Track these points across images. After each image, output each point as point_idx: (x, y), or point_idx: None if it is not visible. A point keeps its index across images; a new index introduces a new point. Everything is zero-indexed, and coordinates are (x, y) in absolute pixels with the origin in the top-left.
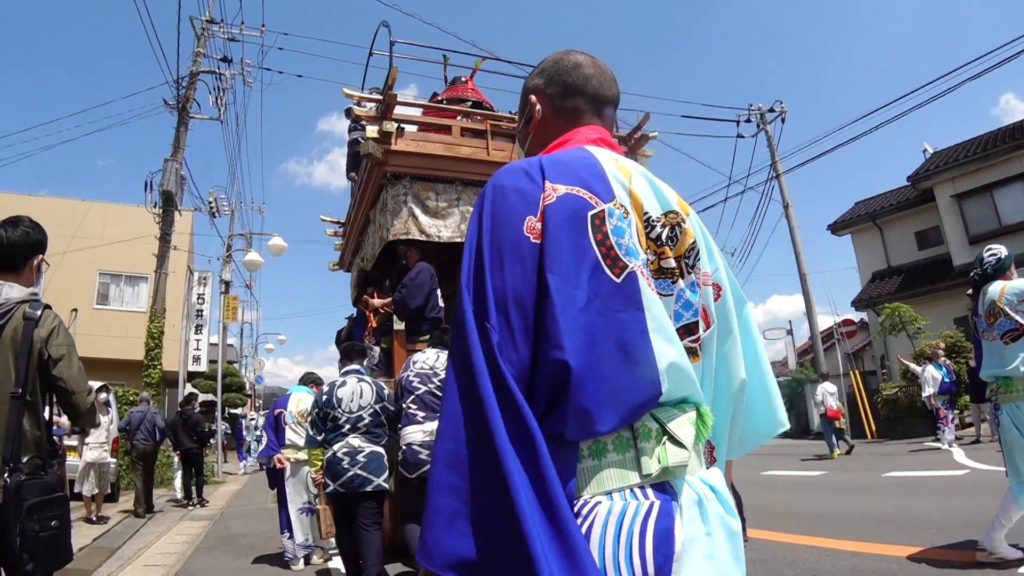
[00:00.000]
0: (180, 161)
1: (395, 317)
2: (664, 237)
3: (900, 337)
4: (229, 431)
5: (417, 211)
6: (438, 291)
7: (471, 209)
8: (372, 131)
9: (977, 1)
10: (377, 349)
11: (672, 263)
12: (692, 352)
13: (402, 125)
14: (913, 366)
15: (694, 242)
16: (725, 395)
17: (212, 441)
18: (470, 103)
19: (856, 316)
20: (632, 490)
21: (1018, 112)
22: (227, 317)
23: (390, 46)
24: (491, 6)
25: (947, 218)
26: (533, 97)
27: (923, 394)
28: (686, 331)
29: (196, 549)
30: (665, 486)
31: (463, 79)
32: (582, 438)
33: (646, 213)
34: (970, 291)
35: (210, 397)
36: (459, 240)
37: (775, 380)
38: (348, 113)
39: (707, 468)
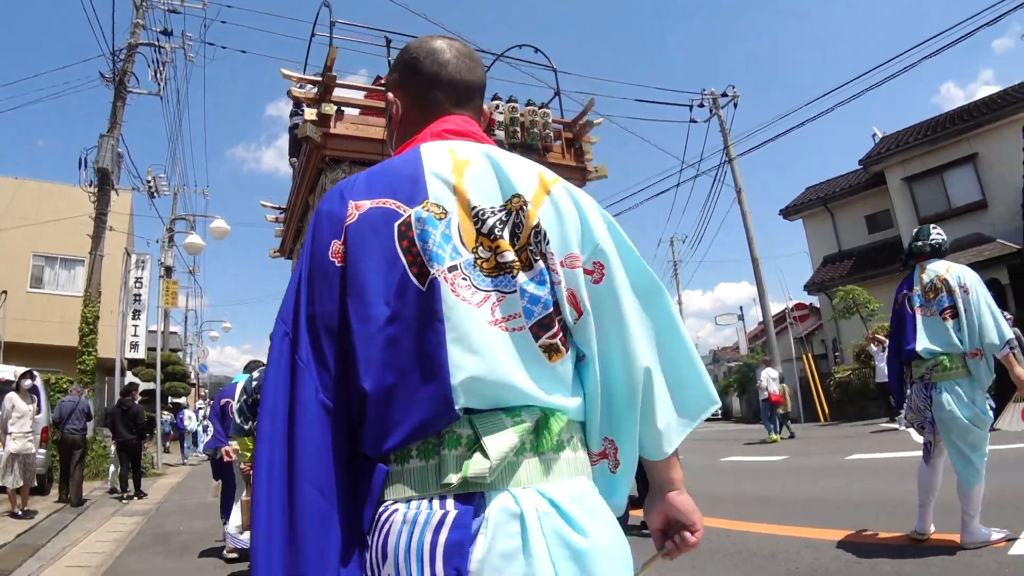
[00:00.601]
0: (117, 137)
1: None
2: (498, 229)
3: (853, 320)
4: (172, 421)
5: None
6: None
7: None
8: (310, 113)
9: None
10: None
11: (510, 256)
12: (553, 349)
13: (342, 108)
14: (873, 347)
15: (537, 225)
16: (622, 388)
17: (152, 432)
18: None
19: (808, 300)
20: (431, 499)
21: (957, 99)
22: (167, 302)
23: (330, 26)
24: None
25: (898, 201)
26: (391, 95)
27: (878, 377)
28: (540, 327)
29: (126, 548)
30: (473, 497)
31: None
32: (379, 454)
33: (475, 207)
34: (902, 266)
35: (151, 386)
36: None
37: (699, 360)
38: (289, 95)
39: (571, 477)
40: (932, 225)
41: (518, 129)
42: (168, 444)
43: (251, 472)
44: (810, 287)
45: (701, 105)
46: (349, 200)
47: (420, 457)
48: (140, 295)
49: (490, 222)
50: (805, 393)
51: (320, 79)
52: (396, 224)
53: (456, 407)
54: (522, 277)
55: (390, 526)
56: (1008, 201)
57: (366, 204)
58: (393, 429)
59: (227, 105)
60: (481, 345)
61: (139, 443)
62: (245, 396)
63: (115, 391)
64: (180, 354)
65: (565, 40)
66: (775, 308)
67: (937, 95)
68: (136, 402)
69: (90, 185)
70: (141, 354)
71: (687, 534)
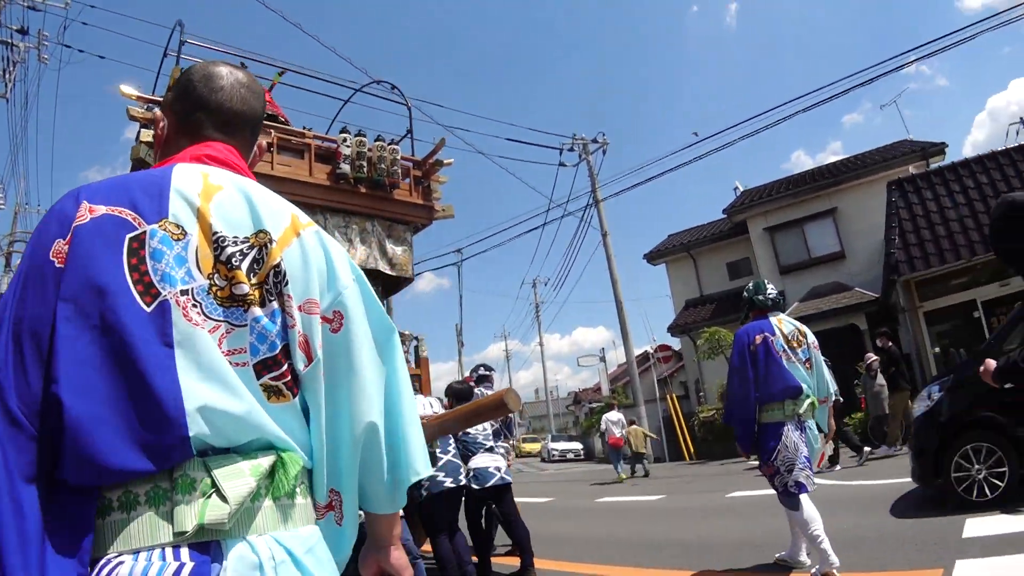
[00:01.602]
0: None
1: None
2: (237, 259)
3: (717, 361)
4: None
5: None
6: None
7: None
8: (147, 135)
9: (790, 51)
10: None
11: (245, 288)
12: (275, 391)
13: None
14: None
15: (278, 264)
16: (348, 440)
17: None
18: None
19: (669, 343)
20: (164, 549)
21: (807, 166)
22: None
23: (179, 45)
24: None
25: (759, 249)
26: (159, 112)
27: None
28: (264, 366)
29: None
30: (209, 546)
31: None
32: (84, 483)
33: (216, 233)
34: (743, 317)
35: None
36: None
37: (417, 424)
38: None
39: (303, 525)
40: (766, 280)
41: (364, 164)
42: None
43: None
44: (673, 329)
45: (571, 149)
46: (84, 201)
47: (149, 503)
48: None
49: (229, 250)
50: (670, 433)
51: (160, 99)
52: (128, 237)
53: (190, 435)
54: (254, 312)
55: None
56: (866, 252)
57: (101, 209)
58: (109, 456)
59: (83, 123)
60: (214, 373)
61: None
62: None
63: None
64: None
65: (439, 74)
66: (636, 351)
67: (788, 161)
68: None
69: None
70: None
71: None
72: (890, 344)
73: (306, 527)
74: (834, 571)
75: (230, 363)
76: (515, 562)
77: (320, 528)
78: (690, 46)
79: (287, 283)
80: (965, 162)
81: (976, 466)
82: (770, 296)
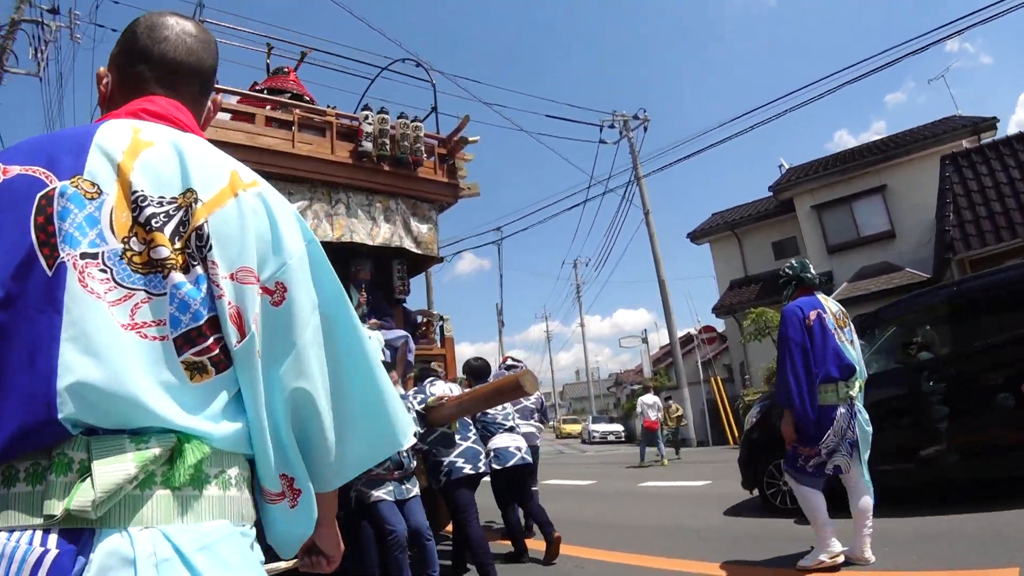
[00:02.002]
0: None
1: None
2: (158, 221)
3: (763, 343)
4: None
5: None
6: None
7: None
8: None
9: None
10: None
11: (165, 252)
12: (198, 368)
13: None
14: None
15: (201, 226)
16: (296, 418)
17: None
18: (289, 95)
19: (713, 324)
20: (35, 532)
21: (850, 146)
22: None
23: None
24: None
25: (806, 228)
26: (102, 69)
27: None
28: (186, 340)
29: None
30: (81, 535)
31: (286, 69)
32: None
33: (137, 192)
34: (789, 295)
35: None
36: None
37: (393, 394)
38: None
39: (211, 519)
40: (806, 260)
41: (387, 141)
42: None
43: None
44: (718, 310)
45: (612, 126)
46: (0, 163)
47: (27, 481)
48: None
49: (149, 211)
50: (713, 416)
51: None
52: (38, 195)
53: (60, 416)
54: (175, 278)
55: None
56: (916, 232)
57: (15, 169)
58: None
59: None
60: (103, 348)
61: None
62: None
63: None
64: None
65: (477, 52)
66: (679, 332)
67: (831, 141)
68: None
69: None
70: None
71: (323, 560)
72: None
73: (212, 522)
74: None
75: (145, 336)
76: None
77: (271, 513)
78: (729, 22)
79: (211, 248)
80: (1022, 136)
81: (781, 479)
82: (816, 275)
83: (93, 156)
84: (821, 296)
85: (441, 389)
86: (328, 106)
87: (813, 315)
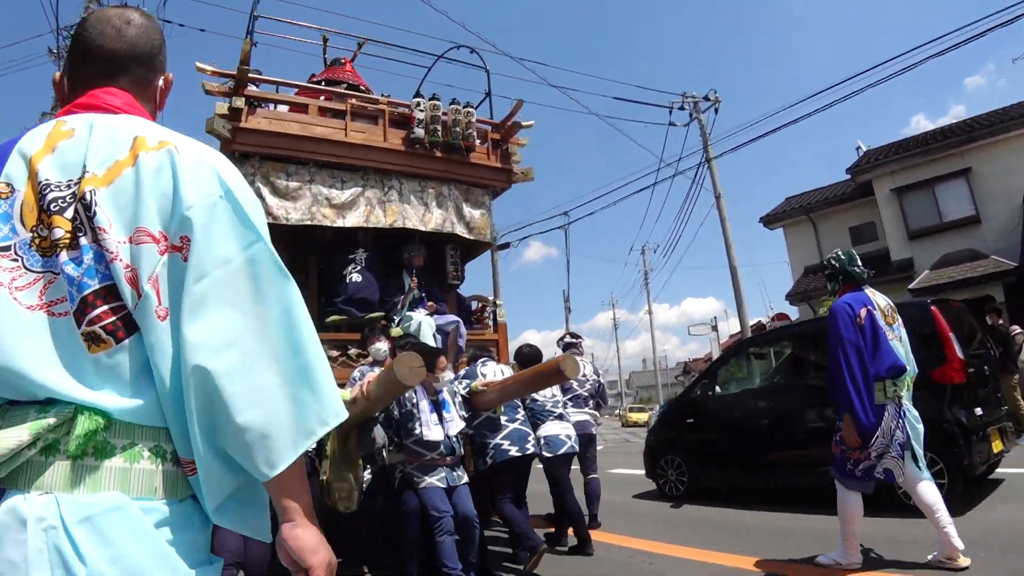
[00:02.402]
0: None
1: None
2: (57, 205)
3: None
4: None
5: (265, 192)
6: None
7: (324, 191)
8: (220, 107)
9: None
10: None
11: (60, 232)
12: (94, 338)
13: (257, 102)
14: None
15: (84, 197)
16: (197, 385)
17: None
18: (345, 86)
19: (786, 311)
20: None
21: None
22: None
23: (251, 19)
24: None
25: (886, 213)
26: (57, 75)
27: None
28: (82, 312)
29: None
30: None
31: (342, 61)
32: None
33: (42, 182)
34: (835, 288)
35: None
36: (308, 223)
37: (323, 362)
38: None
39: (108, 490)
40: (853, 252)
41: (439, 128)
42: None
43: None
44: (792, 297)
45: (681, 108)
46: None
47: None
48: None
49: (51, 196)
50: None
51: (234, 73)
52: None
53: None
54: (63, 256)
55: None
56: (1002, 218)
57: None
58: None
59: (188, 89)
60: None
61: None
62: None
63: None
64: None
65: (545, 34)
66: (750, 320)
67: (908, 125)
68: None
69: None
70: None
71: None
72: (1000, 321)
73: (104, 494)
74: (852, 569)
75: (51, 313)
76: (606, 536)
77: (195, 486)
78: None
79: (95, 215)
80: None
81: (670, 471)
82: (864, 268)
83: (11, 160)
84: (869, 291)
85: (492, 370)
86: (382, 95)
87: (863, 312)
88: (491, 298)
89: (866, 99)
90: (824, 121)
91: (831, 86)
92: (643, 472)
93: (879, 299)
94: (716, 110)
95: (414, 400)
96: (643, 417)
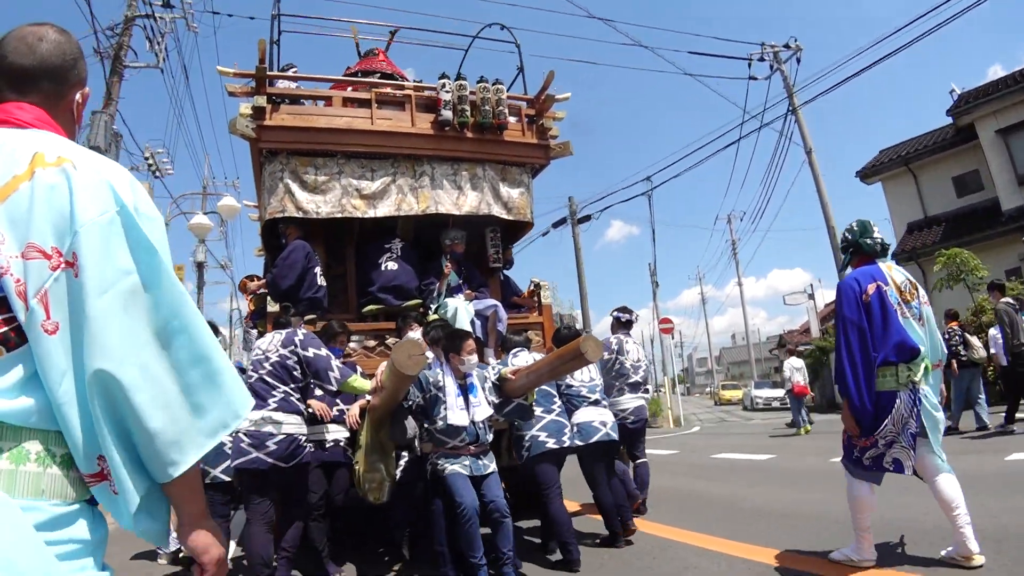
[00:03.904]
0: (113, 114)
1: (268, 299)
2: None
3: (956, 290)
4: None
5: (294, 187)
6: (316, 270)
7: (353, 182)
8: (244, 108)
9: None
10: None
11: None
12: None
13: (280, 99)
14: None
15: None
16: (97, 395)
17: None
18: (378, 75)
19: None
20: None
21: None
22: None
23: (272, 20)
24: None
25: (992, 157)
26: None
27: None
28: None
29: None
30: None
31: (376, 51)
32: None
33: None
34: (845, 262)
35: None
36: (339, 215)
37: (226, 366)
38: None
39: (1, 490)
40: (872, 222)
41: (467, 108)
42: None
43: None
44: (898, 256)
45: (761, 59)
46: None
47: None
48: None
49: None
50: None
51: (253, 73)
52: None
53: None
54: None
55: None
56: None
57: None
58: None
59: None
60: None
61: None
62: None
63: None
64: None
65: None
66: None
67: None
68: None
69: None
70: None
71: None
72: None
73: None
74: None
75: None
76: (656, 528)
77: (101, 498)
78: None
79: None
80: None
81: None
82: (878, 240)
83: None
84: (884, 265)
85: (524, 360)
86: (416, 80)
87: (871, 289)
88: (535, 279)
89: (957, 40)
90: (914, 64)
91: (916, 18)
92: (760, 457)
93: (896, 275)
94: (798, 59)
95: (440, 383)
96: (737, 395)
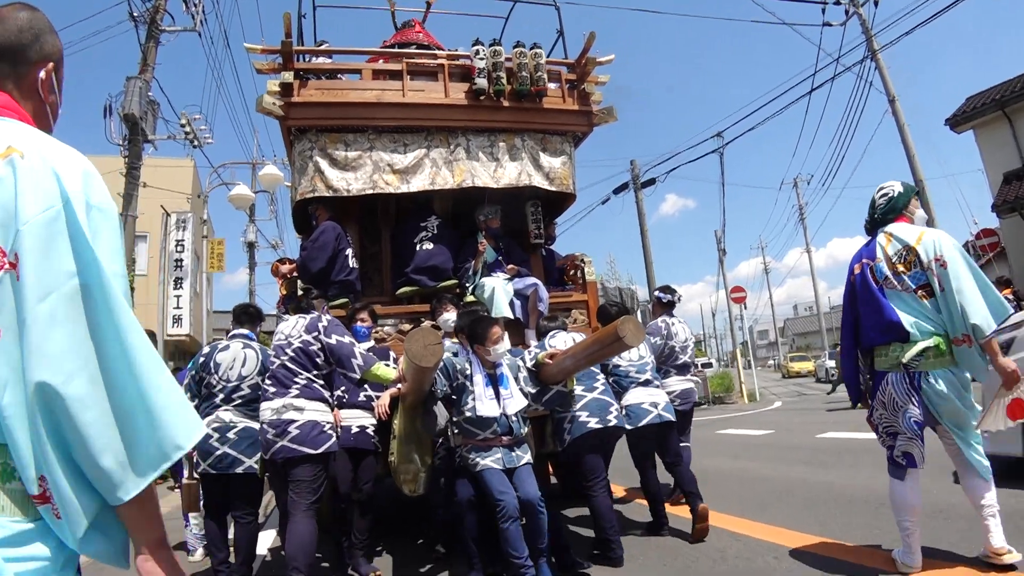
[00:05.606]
0: (148, 80)
1: (299, 282)
2: None
3: None
4: None
5: (324, 165)
6: (347, 251)
7: (385, 157)
8: (272, 85)
9: None
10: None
11: None
12: None
13: (307, 74)
14: None
15: None
16: (33, 410)
17: None
18: (415, 46)
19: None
20: None
21: None
22: (212, 267)
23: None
24: None
25: None
26: None
27: None
28: None
29: None
30: None
31: (412, 23)
32: None
33: None
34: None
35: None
36: (371, 191)
37: (163, 386)
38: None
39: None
40: (880, 186)
41: (503, 75)
42: None
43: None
44: (999, 208)
45: (837, 3)
46: None
47: None
48: (182, 260)
49: None
50: None
51: (278, 49)
52: None
53: None
54: None
55: None
56: None
57: None
58: None
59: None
60: None
61: None
62: (192, 371)
63: None
64: None
65: None
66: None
67: None
68: None
69: (125, 140)
70: (185, 329)
71: None
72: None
73: None
74: (908, 569)
75: None
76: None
77: (47, 520)
78: None
79: None
80: None
81: None
82: (877, 207)
83: None
84: (883, 235)
85: (562, 342)
86: (454, 49)
87: (857, 269)
88: (579, 254)
89: None
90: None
91: None
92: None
93: (892, 244)
94: (876, 2)
95: (468, 372)
96: (807, 366)
